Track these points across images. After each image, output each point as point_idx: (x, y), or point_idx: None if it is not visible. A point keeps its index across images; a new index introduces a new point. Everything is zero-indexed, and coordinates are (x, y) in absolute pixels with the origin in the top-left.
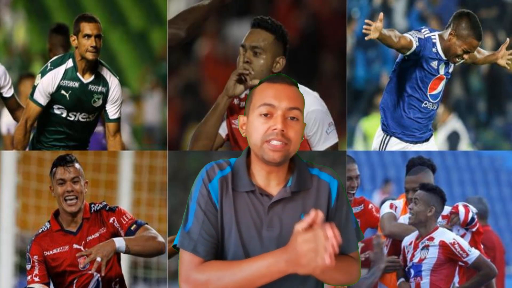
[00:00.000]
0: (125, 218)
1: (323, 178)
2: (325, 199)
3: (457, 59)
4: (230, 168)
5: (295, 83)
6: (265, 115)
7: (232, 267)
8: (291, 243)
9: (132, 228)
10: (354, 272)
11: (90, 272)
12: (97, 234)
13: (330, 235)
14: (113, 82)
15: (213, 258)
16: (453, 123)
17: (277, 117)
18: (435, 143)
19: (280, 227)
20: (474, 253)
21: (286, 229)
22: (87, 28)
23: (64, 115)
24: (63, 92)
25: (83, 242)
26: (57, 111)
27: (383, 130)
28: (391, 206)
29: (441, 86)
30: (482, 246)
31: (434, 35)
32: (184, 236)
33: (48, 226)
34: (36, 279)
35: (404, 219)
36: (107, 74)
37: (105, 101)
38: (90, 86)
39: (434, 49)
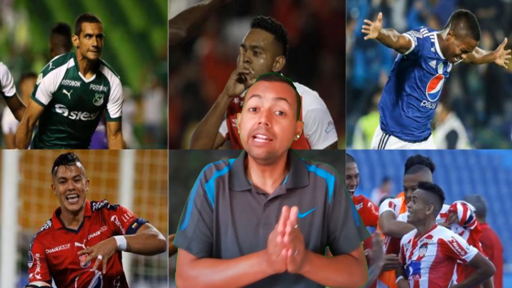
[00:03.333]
0: (126, 216)
1: (320, 174)
2: (322, 196)
3: (455, 59)
4: (227, 168)
5: (288, 80)
6: (254, 109)
7: (220, 265)
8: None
9: (133, 226)
10: (356, 272)
11: (91, 270)
12: (99, 232)
13: (280, 231)
14: (114, 81)
15: (206, 255)
16: (452, 122)
17: (263, 111)
18: (434, 142)
19: (276, 224)
20: (472, 251)
21: None
22: (88, 28)
23: (65, 114)
24: (64, 91)
25: (85, 240)
26: (58, 110)
27: (382, 129)
28: (390, 204)
29: (439, 86)
30: (480, 244)
31: (433, 35)
32: (180, 234)
33: (50, 224)
34: (38, 276)
35: (403, 217)
36: (108, 73)
37: (106, 100)
38: (92, 86)
39: (432, 49)
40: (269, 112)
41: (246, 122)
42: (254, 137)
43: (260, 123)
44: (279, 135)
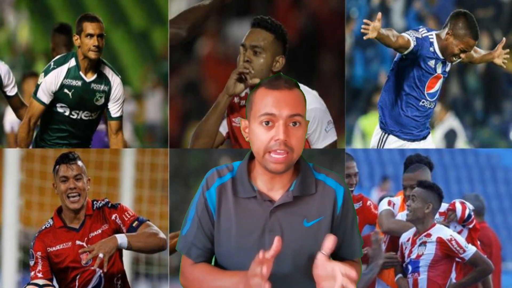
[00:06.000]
0: (127, 215)
1: (329, 184)
2: (330, 206)
3: (454, 58)
4: (230, 175)
5: (294, 84)
6: (267, 123)
7: (212, 274)
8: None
9: (134, 224)
10: (358, 276)
11: (92, 268)
12: (100, 231)
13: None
14: (115, 80)
15: (205, 260)
16: (450, 121)
17: (279, 127)
18: (433, 141)
19: (281, 232)
20: (471, 249)
21: (287, 234)
22: (89, 27)
23: (67, 113)
24: (66, 90)
25: (86, 238)
26: (60, 110)
27: (381, 128)
28: (389, 203)
29: (438, 85)
30: (478, 242)
31: (432, 35)
32: (181, 238)
33: (51, 223)
34: (40, 275)
35: (402, 216)
36: (109, 73)
37: (107, 99)
38: (93, 85)
39: (431, 48)
40: (285, 126)
41: (260, 135)
42: (271, 152)
43: (277, 139)
44: (296, 147)
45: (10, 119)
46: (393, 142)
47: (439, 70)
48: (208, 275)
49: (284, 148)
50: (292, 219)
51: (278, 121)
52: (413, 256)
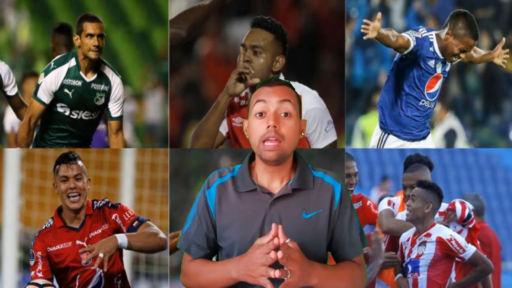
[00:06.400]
0: (127, 214)
1: (327, 180)
2: (328, 202)
3: (454, 58)
4: (231, 174)
5: (287, 83)
6: (260, 114)
7: (207, 267)
8: (247, 253)
9: (134, 224)
10: (358, 278)
11: (92, 267)
12: (100, 231)
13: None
14: (115, 80)
15: (204, 257)
16: (450, 121)
17: (270, 115)
18: (432, 141)
19: (281, 224)
20: (470, 249)
21: (287, 226)
22: (89, 27)
23: (67, 113)
24: (66, 90)
25: (86, 238)
26: (60, 109)
27: (381, 128)
28: (389, 203)
29: (438, 85)
30: (478, 242)
31: (431, 35)
32: (182, 236)
33: (51, 223)
34: (40, 274)
35: (402, 215)
36: (109, 73)
37: (107, 99)
38: (93, 85)
39: (431, 48)
40: (275, 114)
41: (255, 127)
42: (265, 141)
43: (268, 126)
44: (287, 136)
45: (10, 119)
46: (393, 142)
47: (439, 70)
48: (204, 268)
49: (275, 135)
50: (291, 211)
51: (269, 110)
52: (413, 255)
